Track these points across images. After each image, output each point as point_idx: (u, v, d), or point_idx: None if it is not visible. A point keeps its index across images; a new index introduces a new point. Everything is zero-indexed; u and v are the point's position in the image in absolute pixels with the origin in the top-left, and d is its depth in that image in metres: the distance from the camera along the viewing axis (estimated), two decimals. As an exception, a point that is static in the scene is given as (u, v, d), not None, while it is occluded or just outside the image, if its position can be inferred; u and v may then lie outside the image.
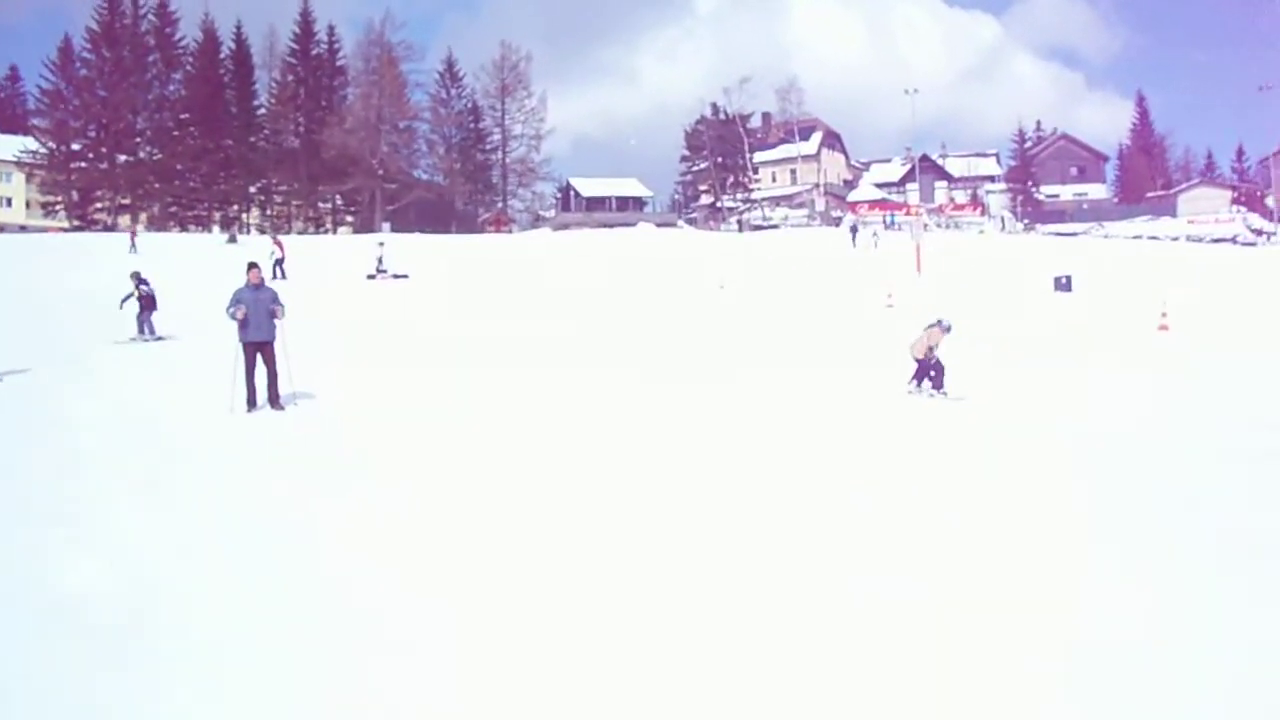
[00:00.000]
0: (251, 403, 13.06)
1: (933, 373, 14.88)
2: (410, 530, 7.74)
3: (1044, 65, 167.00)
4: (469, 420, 12.43)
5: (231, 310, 12.90)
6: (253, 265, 13.43)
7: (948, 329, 14.89)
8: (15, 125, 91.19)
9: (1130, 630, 5.57)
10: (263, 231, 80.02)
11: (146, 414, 12.86)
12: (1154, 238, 74.46)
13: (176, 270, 31.05)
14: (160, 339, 20.07)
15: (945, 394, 14.60)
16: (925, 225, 56.99)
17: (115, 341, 19.42)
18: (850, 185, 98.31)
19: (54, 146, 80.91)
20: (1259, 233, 75.20)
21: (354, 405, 13.49)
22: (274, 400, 13.15)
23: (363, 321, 23.50)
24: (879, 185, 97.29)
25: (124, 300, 20.63)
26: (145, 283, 20.42)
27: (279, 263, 33.85)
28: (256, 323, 12.87)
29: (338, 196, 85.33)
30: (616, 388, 14.87)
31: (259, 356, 13.09)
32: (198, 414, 12.68)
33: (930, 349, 14.82)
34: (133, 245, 47.36)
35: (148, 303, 20.25)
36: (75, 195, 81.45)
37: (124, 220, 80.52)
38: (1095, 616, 5.78)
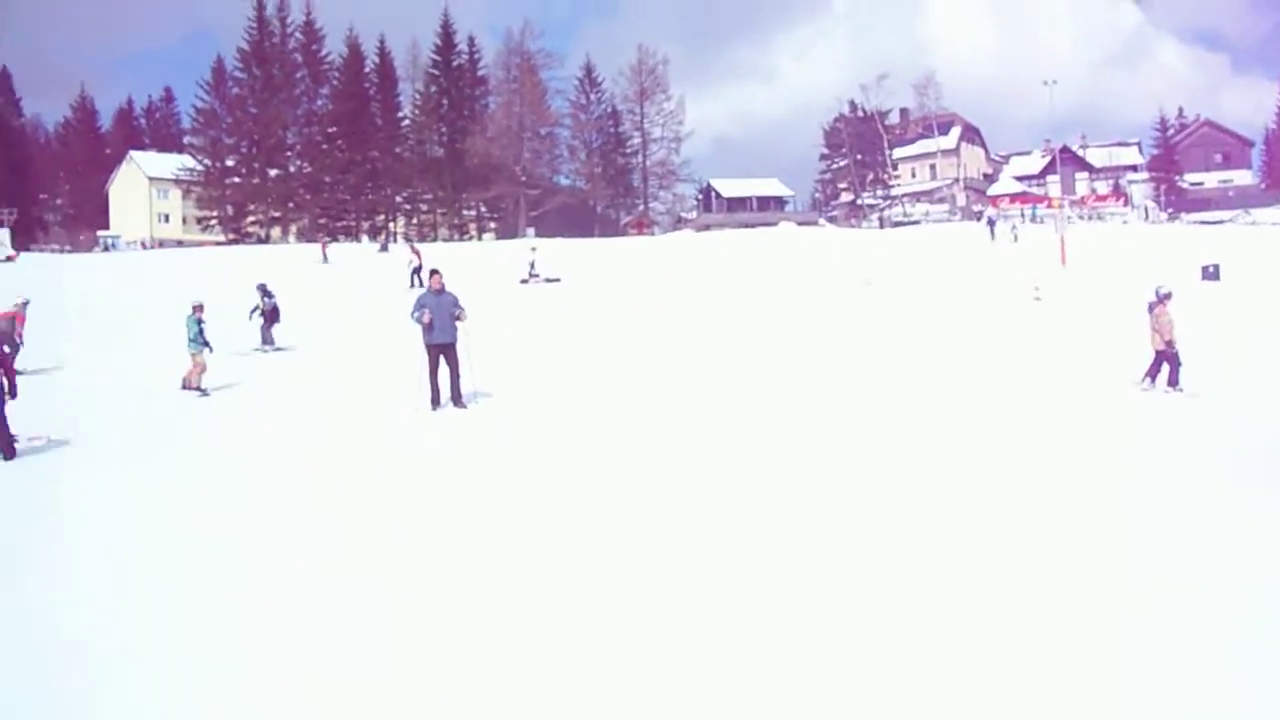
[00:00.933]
0: (435, 402, 13.71)
1: (1167, 365, 13.59)
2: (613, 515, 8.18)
3: (1187, 49, 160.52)
4: (655, 416, 12.81)
5: (417, 315, 13.54)
6: (434, 271, 14.14)
7: (1168, 295, 13.91)
8: (170, 144, 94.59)
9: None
10: (408, 240, 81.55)
11: (336, 417, 13.64)
12: None
13: (356, 277, 31.96)
14: (279, 349, 20.56)
15: (1181, 390, 13.42)
16: (1069, 217, 55.49)
17: (237, 353, 19.55)
18: (990, 179, 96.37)
19: (209, 163, 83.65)
20: None
21: (533, 404, 13.99)
22: (457, 399, 13.76)
23: (526, 324, 23.55)
24: (1019, 178, 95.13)
25: (252, 312, 21.04)
26: (270, 295, 20.88)
27: (416, 270, 33.44)
28: (440, 326, 13.47)
29: (481, 204, 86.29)
30: (801, 375, 15.20)
31: (442, 358, 13.68)
32: (388, 414, 13.45)
33: (1171, 337, 13.56)
34: (324, 257, 48.60)
35: (271, 315, 20.75)
36: (230, 210, 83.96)
37: (275, 233, 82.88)
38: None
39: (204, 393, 15.09)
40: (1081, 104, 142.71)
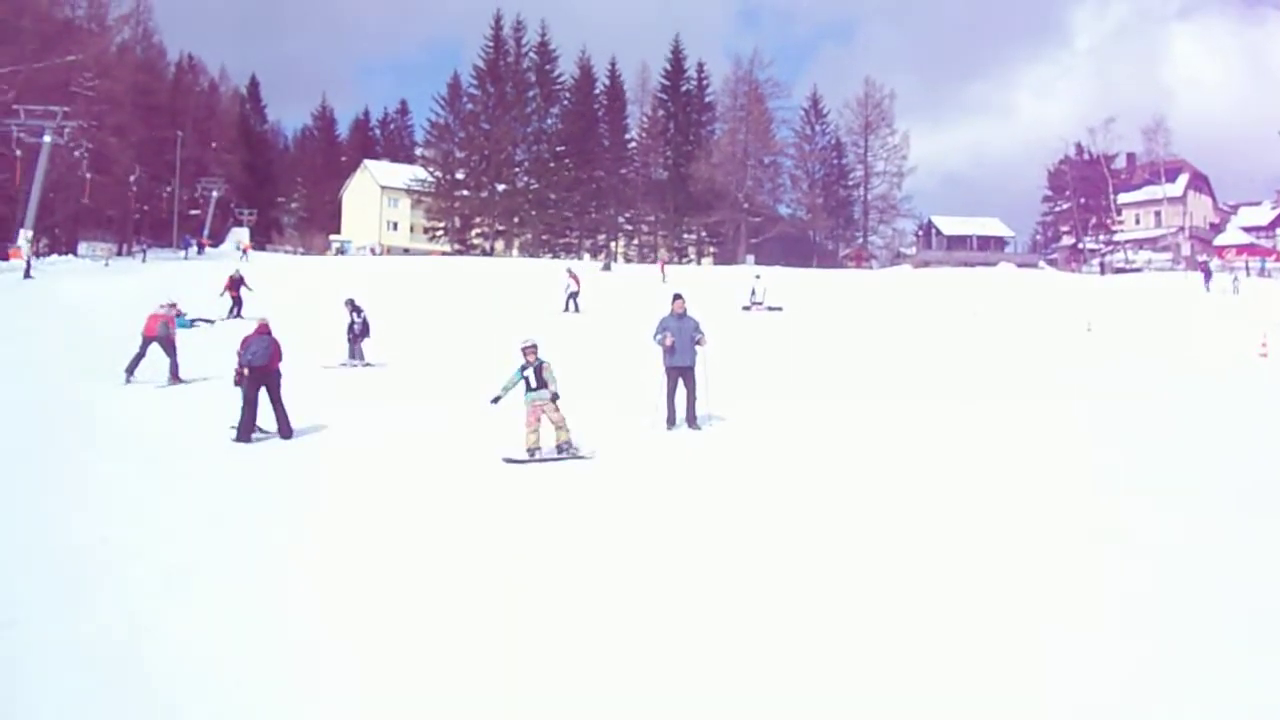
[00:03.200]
0: (671, 422, 13.80)
1: None
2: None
3: None
4: (875, 446, 12.62)
5: (659, 338, 13.76)
6: (677, 296, 14.16)
7: None
8: (402, 154, 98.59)
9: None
10: (628, 260, 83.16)
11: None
12: None
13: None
14: (369, 365, 20.12)
15: None
16: None
17: (324, 366, 19.32)
18: (1216, 229, 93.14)
19: (440, 175, 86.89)
20: None
21: (762, 428, 13.85)
22: (691, 420, 13.78)
23: (750, 350, 23.19)
24: (1247, 229, 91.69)
25: (349, 330, 20.51)
26: (359, 310, 20.48)
27: (573, 296, 32.24)
28: (681, 349, 13.62)
29: (702, 228, 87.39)
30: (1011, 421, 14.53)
31: (680, 381, 13.79)
32: (625, 432, 13.40)
33: None
34: (664, 277, 50.16)
35: (362, 330, 20.34)
36: (457, 221, 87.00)
37: (499, 245, 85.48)
38: None
39: (569, 450, 11.91)
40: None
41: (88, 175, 57.68)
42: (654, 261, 78.08)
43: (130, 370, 17.06)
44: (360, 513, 9.20)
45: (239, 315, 27.40)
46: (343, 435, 13.22)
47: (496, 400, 11.91)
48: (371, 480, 10.60)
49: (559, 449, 11.71)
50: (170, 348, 17.27)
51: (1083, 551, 7.90)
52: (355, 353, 20.42)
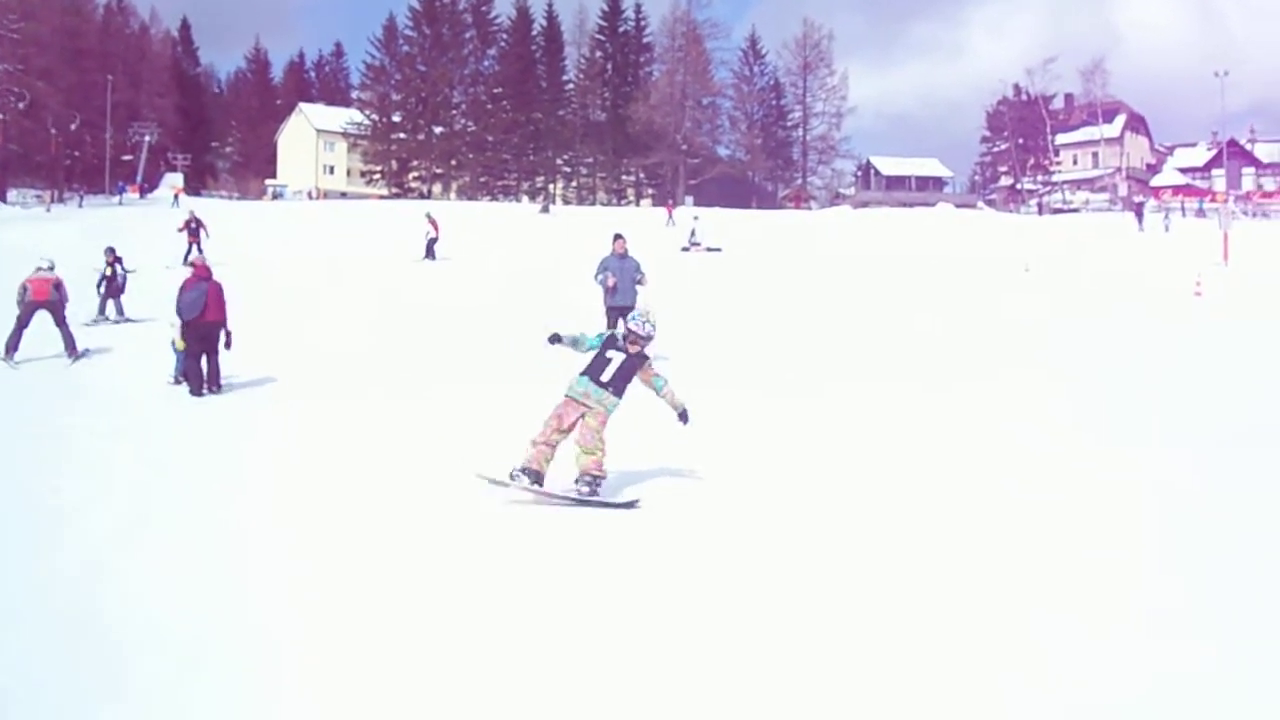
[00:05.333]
0: None
1: None
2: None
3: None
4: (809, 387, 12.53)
5: (601, 278, 13.78)
6: (618, 236, 14.28)
7: None
8: (338, 98, 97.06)
9: None
10: (567, 202, 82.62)
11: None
12: None
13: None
14: (129, 320, 18.34)
15: None
16: (1233, 213, 54.07)
17: (83, 324, 16.86)
18: (1153, 170, 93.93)
19: (376, 119, 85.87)
20: None
21: (701, 366, 13.44)
22: None
23: (691, 290, 23.18)
24: (1183, 170, 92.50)
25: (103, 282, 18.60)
26: (120, 260, 18.71)
27: (433, 243, 31.05)
28: (622, 290, 13.67)
29: (641, 170, 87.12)
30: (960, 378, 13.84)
31: (621, 320, 13.40)
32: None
33: None
34: (670, 219, 50.07)
35: (121, 283, 18.56)
36: (394, 165, 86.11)
37: (436, 189, 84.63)
38: None
39: (589, 487, 11.98)
40: (1254, 97, 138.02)
41: (2, 116, 56.37)
42: (593, 204, 77.98)
43: (11, 348, 14.39)
44: (303, 460, 8.99)
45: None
46: (277, 389, 12.71)
47: (556, 340, 7.94)
48: (314, 428, 10.31)
49: (577, 484, 7.52)
50: (61, 317, 14.76)
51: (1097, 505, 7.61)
52: (107, 308, 18.46)
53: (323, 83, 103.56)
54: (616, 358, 7.72)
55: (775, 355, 15.27)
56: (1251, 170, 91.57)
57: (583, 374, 7.74)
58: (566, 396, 7.69)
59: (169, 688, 4.50)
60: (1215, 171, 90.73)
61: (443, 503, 7.57)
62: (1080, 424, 10.73)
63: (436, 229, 31.44)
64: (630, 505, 7.44)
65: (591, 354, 7.83)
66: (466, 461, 7.96)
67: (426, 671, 4.67)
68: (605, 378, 7.64)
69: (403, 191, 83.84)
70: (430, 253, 30.83)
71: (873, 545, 6.56)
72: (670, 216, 50.19)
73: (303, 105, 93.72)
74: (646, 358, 7.87)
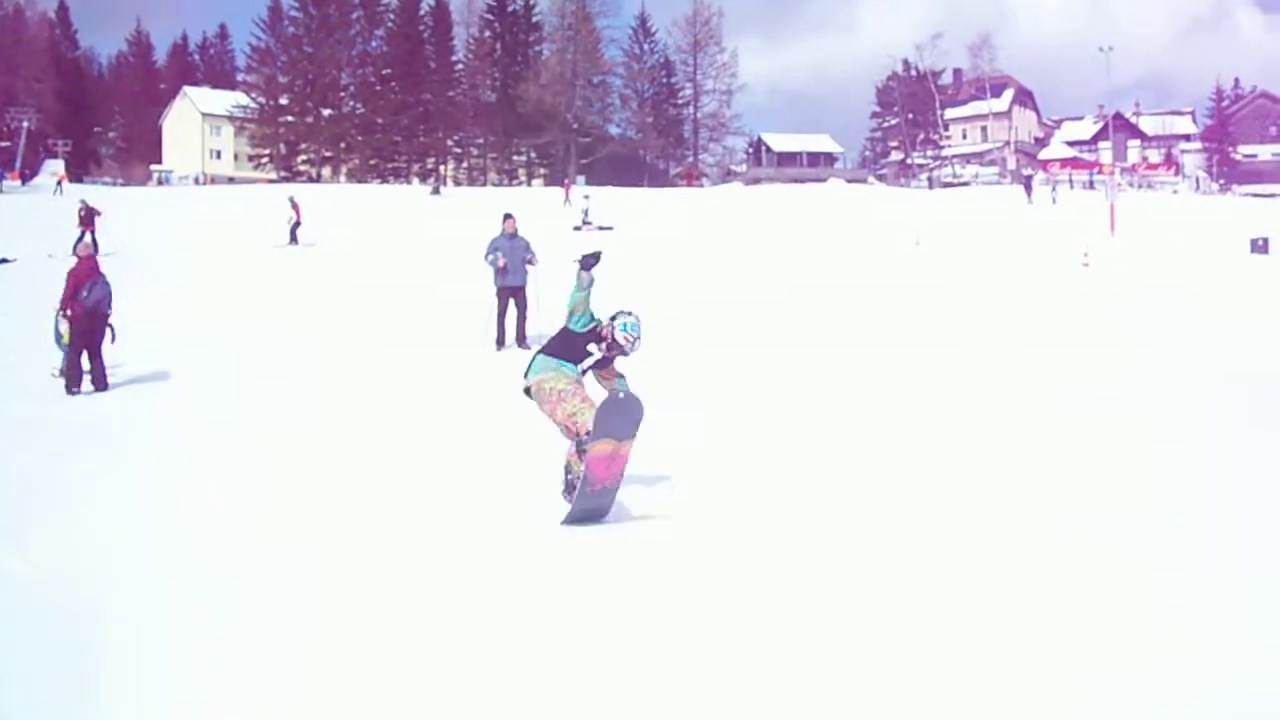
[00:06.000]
0: (500, 342, 14.00)
1: None
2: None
3: (1255, 16, 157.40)
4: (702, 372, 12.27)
5: (491, 258, 13.90)
6: (508, 216, 14.43)
7: None
8: (224, 81, 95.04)
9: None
10: (458, 184, 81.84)
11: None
12: None
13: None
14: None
15: None
16: (1119, 185, 55.38)
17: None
18: (1041, 143, 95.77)
19: (263, 101, 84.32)
20: None
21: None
22: (521, 339, 14.00)
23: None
24: (1070, 143, 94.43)
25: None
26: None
27: (295, 227, 30.58)
28: (513, 269, 13.87)
29: (532, 150, 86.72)
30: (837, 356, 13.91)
31: (511, 300, 14.01)
32: (453, 352, 13.54)
33: None
34: (567, 199, 49.38)
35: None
36: (282, 148, 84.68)
37: (326, 172, 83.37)
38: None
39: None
40: (1138, 71, 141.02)
41: None
42: (485, 185, 77.38)
43: None
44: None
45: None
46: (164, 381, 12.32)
47: (592, 263, 7.04)
48: (201, 419, 10.06)
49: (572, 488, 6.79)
50: None
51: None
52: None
53: (207, 65, 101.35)
54: (595, 353, 6.88)
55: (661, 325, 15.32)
56: (1137, 143, 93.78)
57: (566, 361, 6.86)
58: (558, 391, 6.71)
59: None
60: (1102, 144, 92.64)
61: (370, 483, 7.56)
62: (960, 390, 11.08)
63: (298, 213, 31.07)
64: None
65: (574, 334, 6.91)
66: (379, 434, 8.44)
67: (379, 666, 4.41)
68: (582, 368, 6.87)
69: (292, 175, 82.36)
70: (293, 237, 30.42)
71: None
72: (567, 197, 50.14)
73: (187, 89, 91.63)
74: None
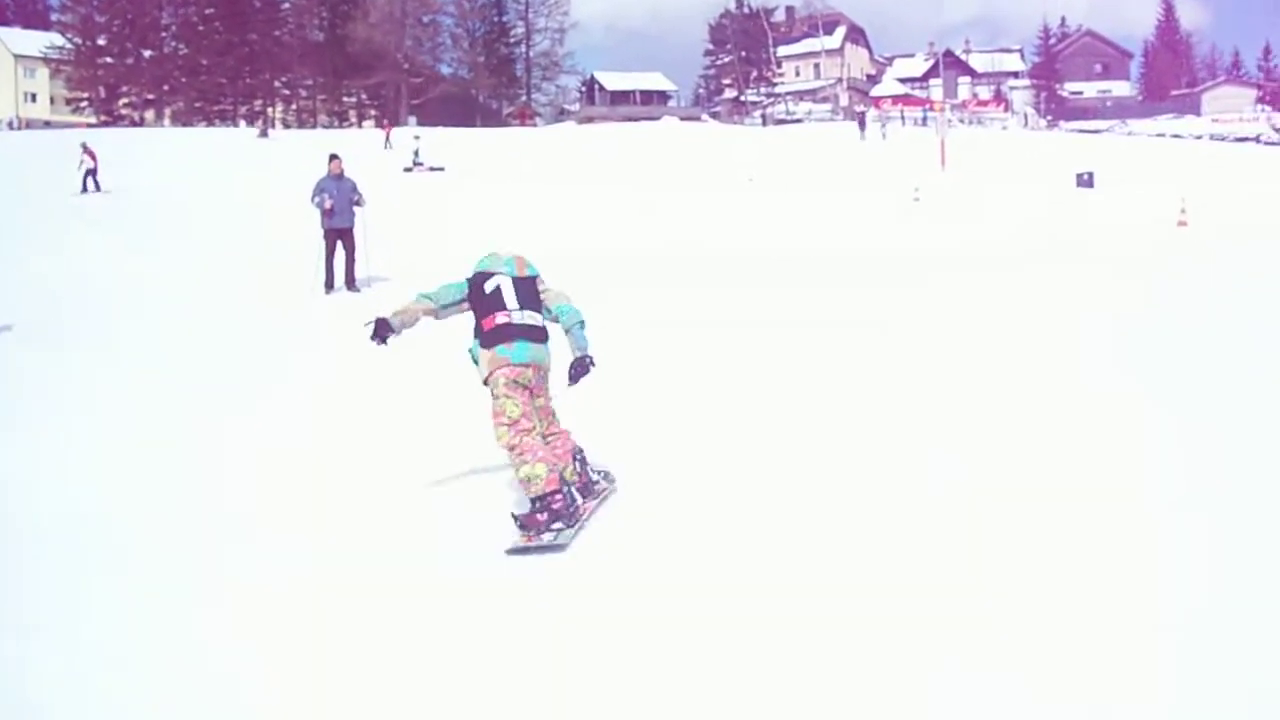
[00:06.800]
0: (329, 285, 13.95)
1: None
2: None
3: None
4: None
5: (317, 200, 13.77)
6: (334, 156, 14.27)
7: None
8: (38, 20, 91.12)
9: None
10: (287, 126, 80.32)
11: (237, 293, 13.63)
12: (1177, 136, 73.27)
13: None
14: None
15: None
16: (949, 121, 57.28)
17: None
18: (873, 80, 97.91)
19: (79, 42, 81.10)
20: (1284, 132, 74.56)
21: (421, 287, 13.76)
22: (350, 283, 14.05)
23: (418, 211, 23.39)
24: (902, 80, 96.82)
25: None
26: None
27: (90, 173, 29.63)
28: (339, 210, 13.77)
29: (362, 91, 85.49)
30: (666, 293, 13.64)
31: (339, 243, 14.01)
32: (283, 296, 13.43)
33: None
34: (387, 142, 48.35)
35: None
36: (101, 91, 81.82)
37: (149, 115, 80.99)
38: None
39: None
40: (969, 9, 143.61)
41: None
42: (314, 126, 75.99)
43: None
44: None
45: None
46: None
47: (380, 336, 5.59)
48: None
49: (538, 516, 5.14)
50: None
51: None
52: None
53: (18, 5, 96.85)
54: (506, 288, 5.56)
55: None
56: (968, 80, 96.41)
57: (521, 339, 5.44)
58: (502, 377, 5.35)
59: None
60: (933, 81, 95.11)
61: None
62: (793, 316, 11.15)
63: (94, 158, 30.12)
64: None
65: (465, 303, 5.66)
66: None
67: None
68: (518, 326, 5.52)
69: (113, 119, 79.72)
70: (91, 184, 29.53)
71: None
72: (388, 139, 49.33)
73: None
74: (537, 274, 5.77)
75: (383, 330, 5.54)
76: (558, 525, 5.05)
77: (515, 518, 5.16)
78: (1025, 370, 8.45)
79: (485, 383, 5.43)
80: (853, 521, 5.05)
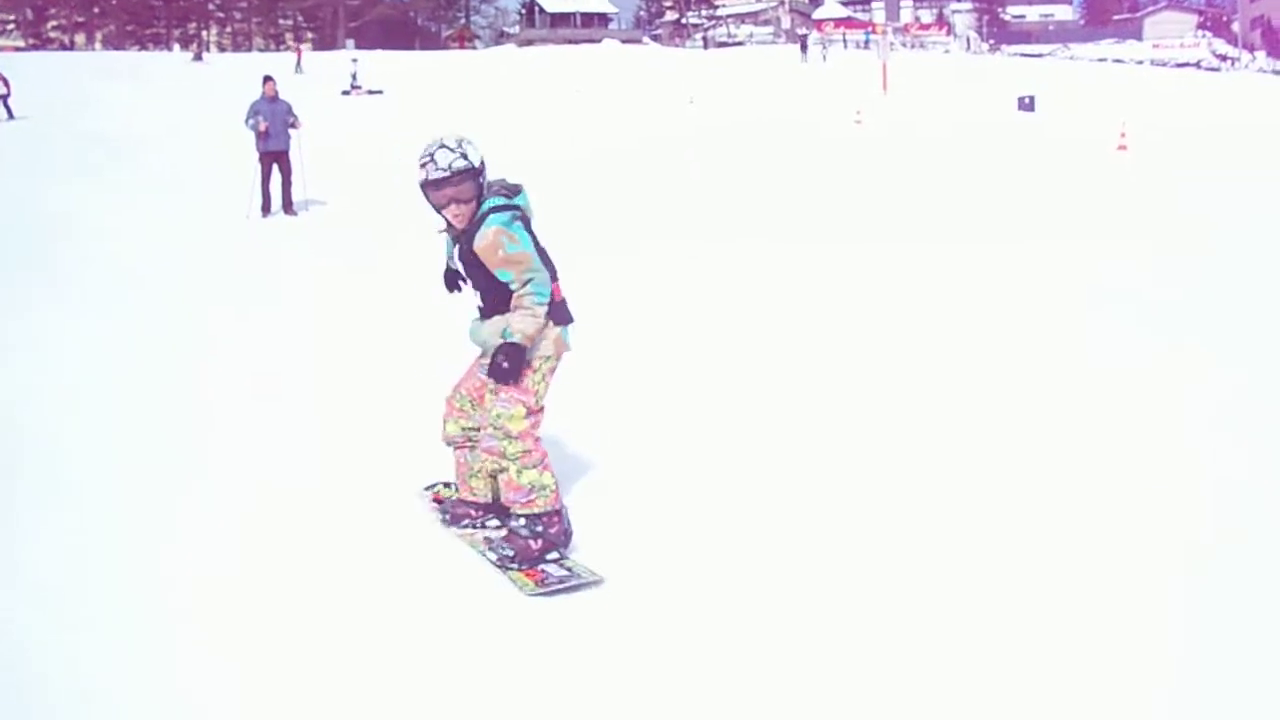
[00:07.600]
0: (266, 209, 13.80)
1: None
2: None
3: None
4: None
5: (251, 122, 13.56)
6: (268, 78, 14.05)
7: None
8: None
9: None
10: (222, 50, 79.22)
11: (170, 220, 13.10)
12: (1119, 61, 73.96)
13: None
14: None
15: None
16: (891, 44, 57.59)
17: None
18: (815, 3, 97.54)
19: (4, -38, 79.44)
20: (1223, 58, 75.21)
21: (360, 210, 13.77)
22: (287, 206, 13.94)
23: (356, 134, 23.09)
24: (845, 3, 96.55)
25: None
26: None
27: (3, 99, 28.98)
28: (274, 133, 13.60)
29: (298, 13, 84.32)
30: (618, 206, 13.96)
31: (275, 165, 13.86)
32: (217, 220, 13.21)
33: None
34: (299, 66, 46.94)
35: None
36: (29, 13, 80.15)
37: (80, 39, 79.54)
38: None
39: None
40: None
41: None
42: (250, 50, 75.05)
43: None
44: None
45: None
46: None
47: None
48: None
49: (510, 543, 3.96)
50: None
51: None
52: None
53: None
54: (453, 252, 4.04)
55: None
56: (910, 3, 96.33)
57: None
58: (552, 372, 4.04)
59: None
60: (875, 4, 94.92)
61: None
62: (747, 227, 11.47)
63: (7, 85, 29.31)
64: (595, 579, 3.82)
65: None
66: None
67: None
68: (478, 303, 4.02)
69: (41, 43, 78.26)
70: (5, 111, 28.68)
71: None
72: (299, 63, 47.56)
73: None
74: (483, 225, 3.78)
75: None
76: (553, 555, 3.91)
77: (491, 544, 4.03)
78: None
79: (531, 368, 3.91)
80: (847, 504, 4.59)
